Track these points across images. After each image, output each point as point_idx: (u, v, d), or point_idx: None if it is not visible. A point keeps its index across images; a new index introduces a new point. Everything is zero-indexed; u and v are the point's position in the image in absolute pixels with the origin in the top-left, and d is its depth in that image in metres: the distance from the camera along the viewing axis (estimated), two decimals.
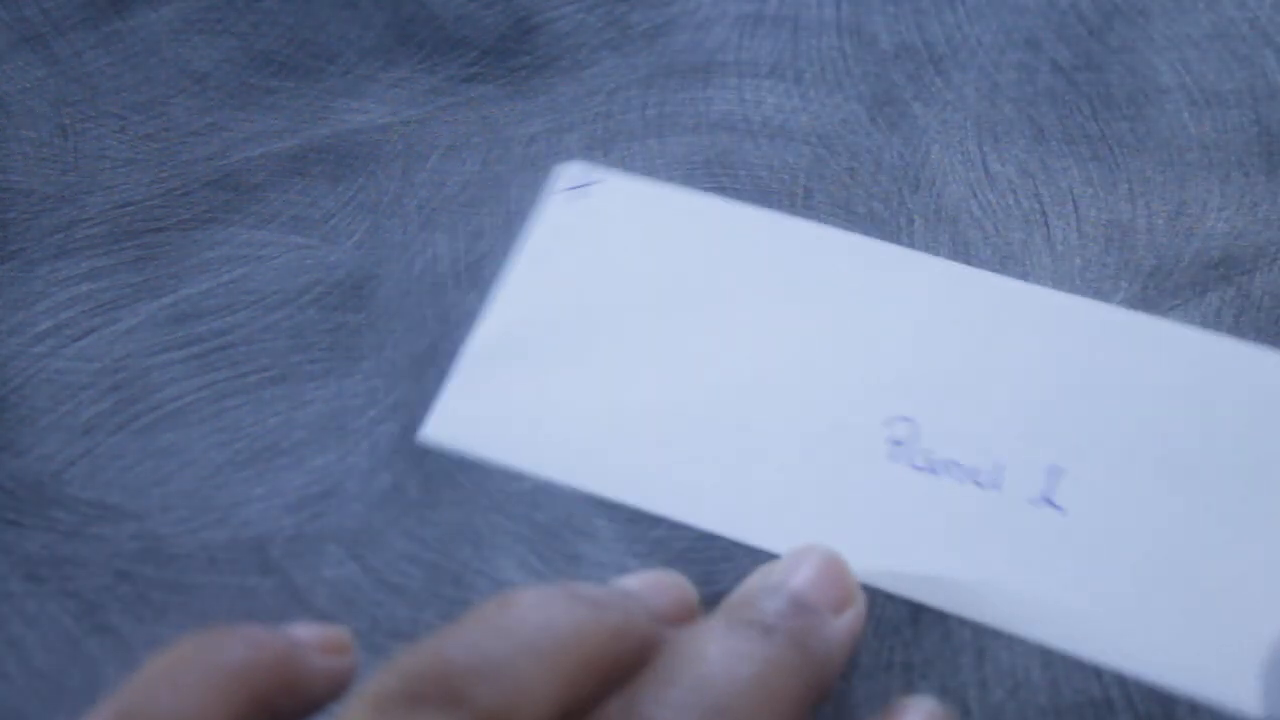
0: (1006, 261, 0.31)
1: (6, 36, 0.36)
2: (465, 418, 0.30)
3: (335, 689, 0.23)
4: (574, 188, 0.32)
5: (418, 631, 0.27)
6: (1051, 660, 0.26)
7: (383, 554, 0.28)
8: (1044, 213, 0.32)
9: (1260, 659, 0.26)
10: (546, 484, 0.29)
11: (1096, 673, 0.26)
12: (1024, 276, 0.31)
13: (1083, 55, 0.35)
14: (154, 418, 0.30)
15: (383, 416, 0.30)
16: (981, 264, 0.31)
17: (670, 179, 0.33)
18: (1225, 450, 0.28)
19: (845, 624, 0.24)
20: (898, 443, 0.28)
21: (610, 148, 0.34)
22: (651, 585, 0.25)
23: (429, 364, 0.31)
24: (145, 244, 0.32)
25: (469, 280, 0.32)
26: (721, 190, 0.33)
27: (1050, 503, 0.27)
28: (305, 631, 0.23)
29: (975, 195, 0.33)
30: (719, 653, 0.21)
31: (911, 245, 0.32)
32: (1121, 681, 0.26)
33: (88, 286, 0.32)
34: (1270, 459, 0.28)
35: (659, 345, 0.30)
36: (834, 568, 0.25)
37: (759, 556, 0.27)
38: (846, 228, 0.32)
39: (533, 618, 0.21)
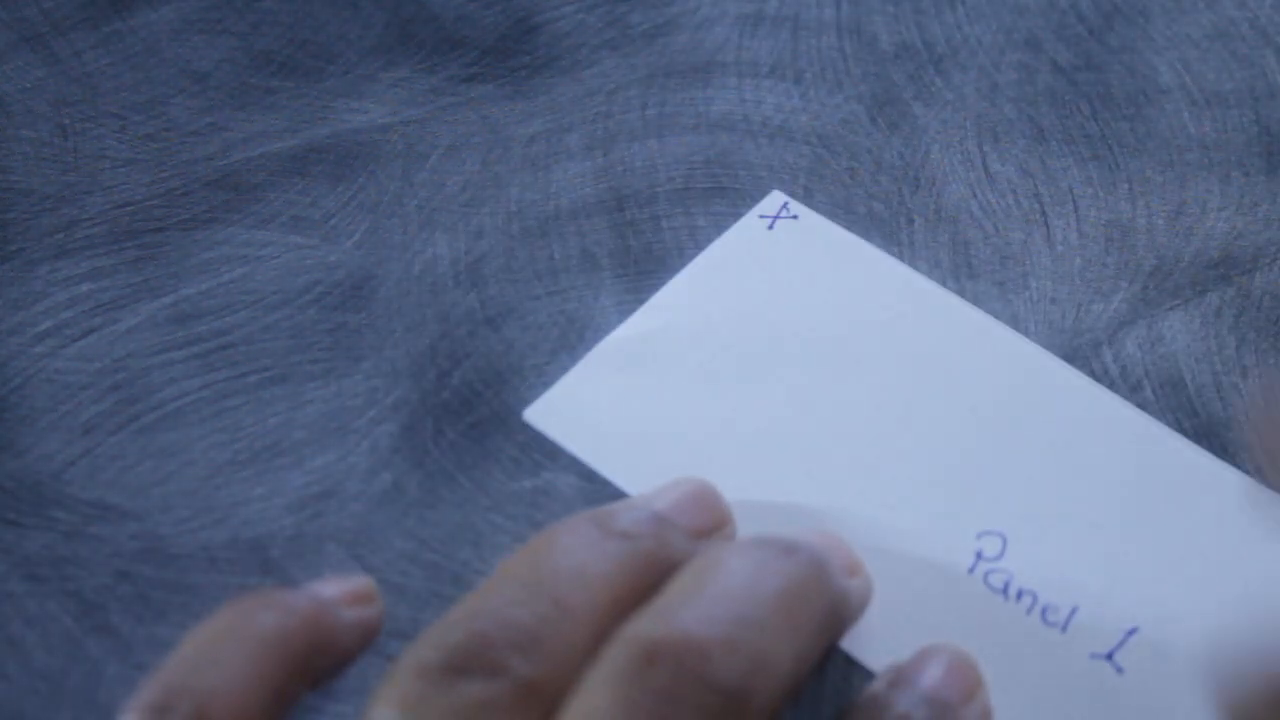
0: (1006, 261, 0.32)
1: (6, 36, 0.36)
2: (570, 408, 0.30)
3: (366, 639, 0.23)
4: (771, 217, 0.32)
5: (418, 631, 0.27)
6: None
7: (383, 554, 0.28)
8: (1044, 213, 0.32)
9: None
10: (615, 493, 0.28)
11: None
12: (1024, 277, 0.31)
13: (1083, 55, 0.35)
14: (154, 418, 0.30)
15: (383, 416, 0.30)
16: (981, 264, 0.31)
17: (670, 179, 0.33)
18: None
19: (857, 583, 0.25)
20: (984, 558, 0.27)
21: (610, 148, 0.34)
22: (682, 502, 0.25)
23: (429, 364, 0.31)
24: (145, 244, 0.32)
25: (469, 280, 0.32)
26: (722, 190, 0.33)
27: (1112, 661, 0.26)
28: (331, 588, 0.23)
29: (975, 195, 0.33)
30: (743, 565, 0.21)
31: (912, 245, 0.32)
32: None
33: (88, 286, 0.32)
34: None
35: (781, 395, 0.29)
36: (843, 549, 0.25)
37: None
38: (847, 227, 0.32)
39: (565, 566, 0.21)
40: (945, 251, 0.32)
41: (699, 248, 0.32)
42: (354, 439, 0.30)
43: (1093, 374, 0.30)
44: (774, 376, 0.30)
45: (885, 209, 0.33)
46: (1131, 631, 0.26)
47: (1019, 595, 0.27)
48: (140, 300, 0.32)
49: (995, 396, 0.29)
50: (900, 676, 0.24)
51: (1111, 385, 0.29)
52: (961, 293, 0.31)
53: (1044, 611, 0.27)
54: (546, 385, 0.30)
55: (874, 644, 0.26)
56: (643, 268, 0.32)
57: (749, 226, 0.32)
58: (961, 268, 0.31)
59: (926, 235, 0.32)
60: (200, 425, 0.30)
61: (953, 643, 0.25)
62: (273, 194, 0.33)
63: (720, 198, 0.33)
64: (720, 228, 0.32)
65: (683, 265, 0.32)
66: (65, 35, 0.36)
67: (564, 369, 0.30)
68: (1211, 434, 0.29)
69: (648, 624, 0.20)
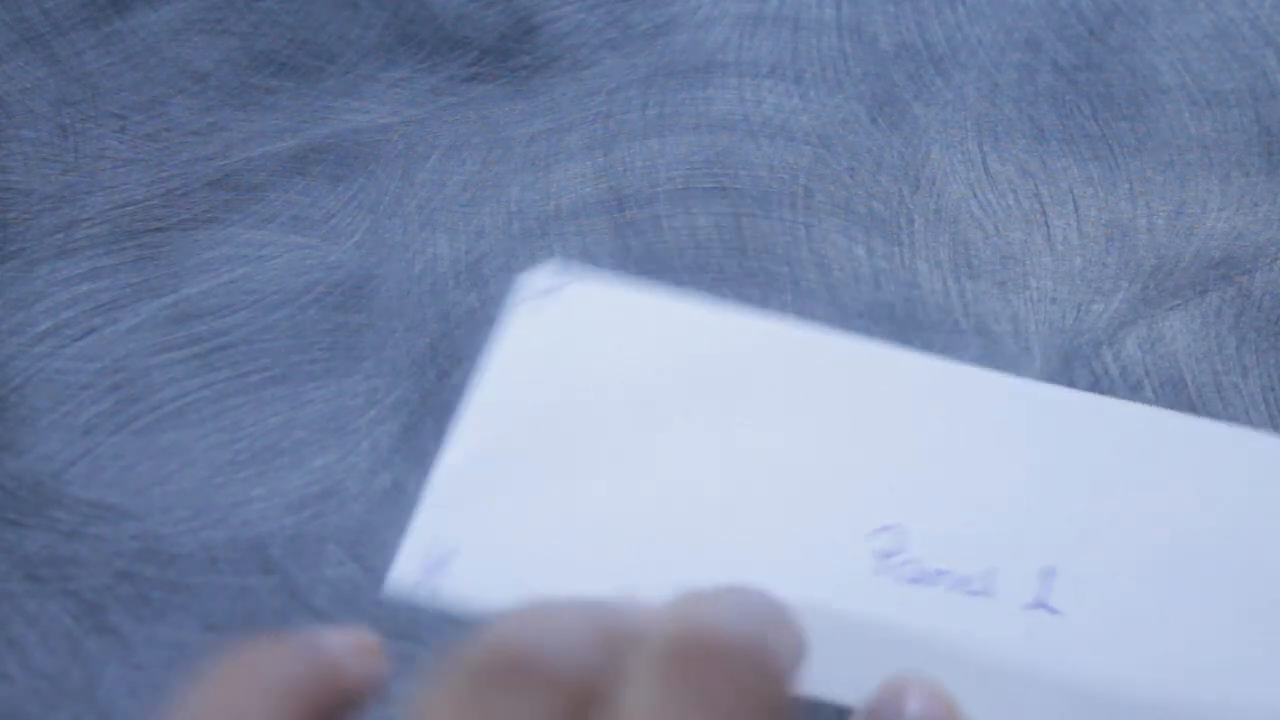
0: (1007, 261, 0.31)
1: (6, 36, 0.36)
2: (438, 559, 0.28)
3: (373, 693, 0.23)
4: (541, 294, 0.30)
5: (418, 631, 0.27)
6: None
7: (383, 554, 0.28)
8: (1044, 212, 0.32)
9: None
10: None
11: None
12: (1024, 276, 0.31)
13: (1083, 55, 0.35)
14: (154, 418, 0.30)
15: (383, 416, 0.30)
16: (982, 264, 0.31)
17: (670, 179, 0.33)
18: (1223, 536, 0.27)
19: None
20: (885, 555, 0.27)
21: (610, 148, 0.34)
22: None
23: (429, 364, 0.31)
24: (145, 244, 0.32)
25: (469, 280, 0.32)
26: (722, 190, 0.33)
27: (1045, 606, 0.27)
28: (339, 639, 0.23)
29: (975, 195, 0.33)
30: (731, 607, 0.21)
31: (912, 245, 0.32)
32: None
33: (88, 286, 0.32)
34: (1268, 542, 0.28)
35: (636, 462, 0.29)
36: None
37: None
38: (847, 227, 0.32)
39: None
40: (945, 251, 0.32)
41: (699, 248, 0.32)
42: (354, 439, 0.30)
43: (1093, 374, 0.30)
44: (619, 446, 0.29)
45: (885, 209, 0.33)
46: (1051, 572, 0.27)
47: (935, 577, 0.27)
48: (140, 300, 0.32)
49: (836, 400, 0.29)
50: (882, 710, 0.24)
51: (1112, 385, 0.29)
52: (962, 293, 0.31)
53: (964, 584, 0.27)
54: None
55: (817, 679, 0.26)
56: (643, 267, 0.32)
57: (521, 314, 0.30)
58: (962, 267, 0.31)
59: (926, 235, 0.32)
60: (200, 425, 0.30)
61: (914, 673, 0.25)
62: (273, 194, 0.33)
63: (720, 198, 0.33)
64: (720, 227, 0.32)
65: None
66: (65, 35, 0.36)
67: None
68: None
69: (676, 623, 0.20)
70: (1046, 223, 0.32)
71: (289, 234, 0.33)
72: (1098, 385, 0.30)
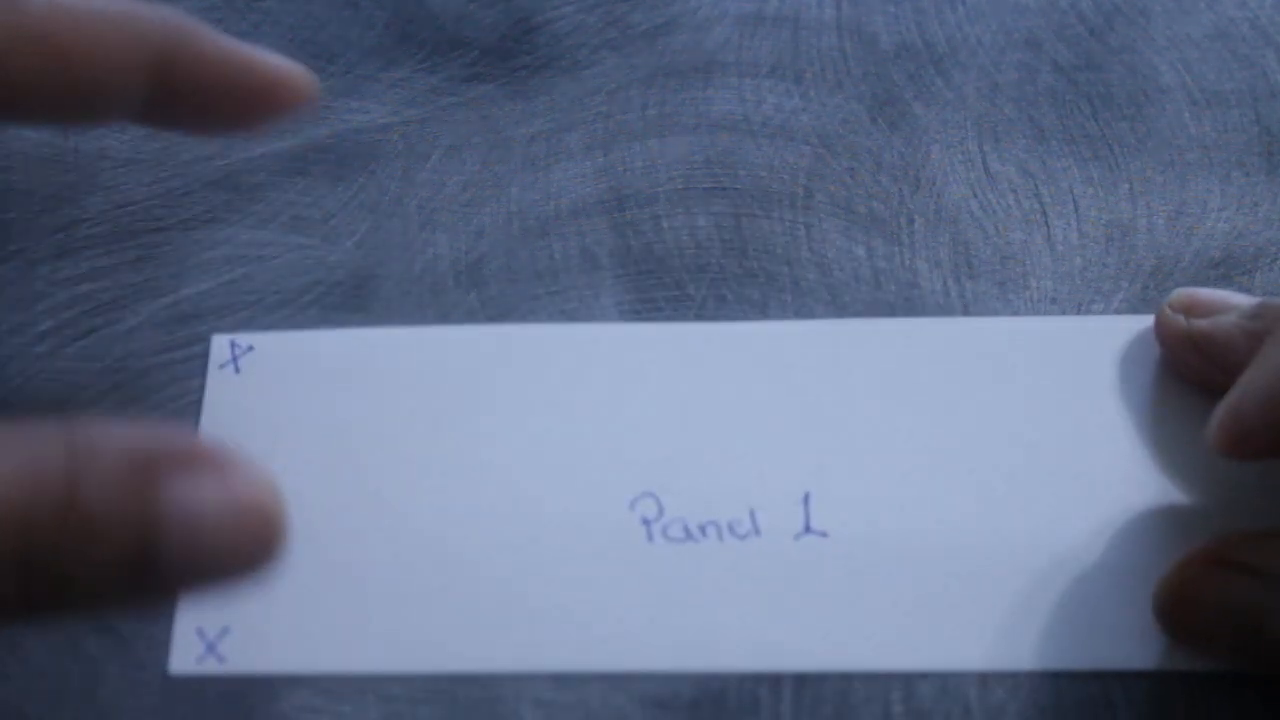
0: (1007, 261, 0.32)
1: None
2: (215, 637, 0.27)
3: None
4: (230, 362, 0.30)
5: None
6: None
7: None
8: (1044, 213, 0.32)
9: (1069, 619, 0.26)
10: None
11: (1097, 673, 0.26)
12: (1024, 277, 0.31)
13: (1083, 55, 0.35)
14: (154, 418, 0.30)
15: None
16: (981, 264, 0.31)
17: (670, 179, 0.33)
18: (969, 423, 0.29)
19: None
20: (649, 521, 0.28)
21: (610, 148, 0.34)
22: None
23: None
24: (145, 244, 0.32)
25: (469, 280, 0.32)
26: (722, 190, 0.33)
27: (813, 531, 0.27)
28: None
29: (975, 195, 0.33)
30: None
31: (912, 245, 0.32)
32: (1122, 681, 0.26)
33: (88, 286, 0.32)
34: (1012, 418, 0.28)
35: (383, 495, 0.28)
36: None
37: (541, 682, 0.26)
38: (847, 227, 0.32)
39: None
40: (945, 251, 0.32)
41: (699, 248, 0.32)
42: None
43: None
44: (361, 484, 0.28)
45: (885, 209, 0.33)
46: (807, 498, 0.28)
47: (703, 531, 0.27)
48: (140, 300, 0.31)
49: (574, 384, 0.30)
50: None
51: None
52: (962, 293, 0.31)
53: (731, 529, 0.27)
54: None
55: (624, 655, 0.26)
56: (643, 268, 0.32)
57: (218, 383, 0.30)
58: (962, 268, 0.31)
59: (926, 235, 0.32)
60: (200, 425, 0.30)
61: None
62: (273, 194, 0.33)
63: (720, 197, 0.33)
64: (720, 227, 0.32)
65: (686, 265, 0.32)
66: None
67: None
68: None
69: None
70: (1046, 223, 0.32)
71: (289, 234, 0.33)
72: None
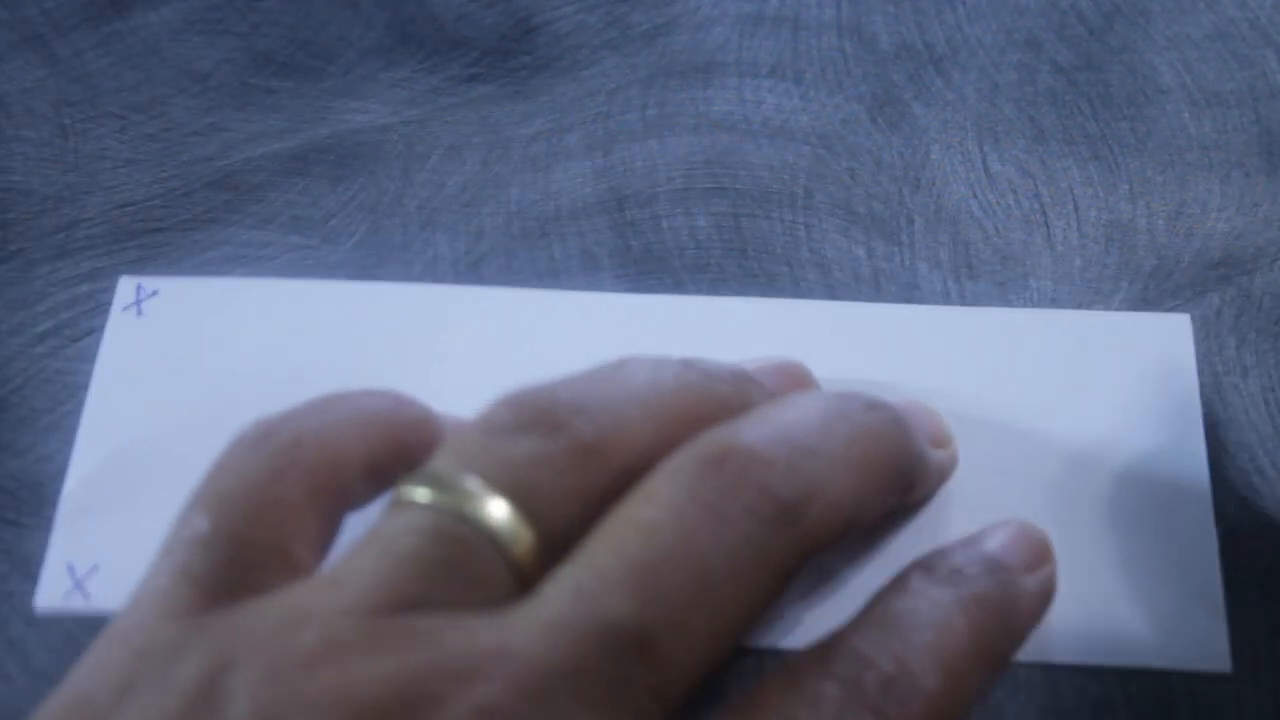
0: (1007, 261, 0.32)
1: (6, 36, 0.36)
2: (84, 574, 0.27)
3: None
4: (133, 304, 0.30)
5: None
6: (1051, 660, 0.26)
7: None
8: (1044, 213, 0.32)
9: None
10: None
11: (1096, 672, 0.26)
12: (1024, 277, 0.31)
13: (1083, 55, 0.35)
14: None
15: None
16: (981, 264, 0.31)
17: (670, 179, 0.33)
18: (963, 410, 0.29)
19: (940, 454, 0.27)
20: None
21: (610, 148, 0.34)
22: (769, 370, 0.26)
23: None
24: (145, 244, 0.32)
25: (469, 280, 0.32)
26: (722, 190, 0.33)
27: None
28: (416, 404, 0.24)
29: (975, 195, 0.33)
30: (820, 407, 0.22)
31: (912, 245, 0.32)
32: (1122, 681, 0.26)
33: (88, 286, 0.32)
34: (1007, 407, 0.29)
35: None
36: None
37: None
38: (847, 227, 0.32)
39: (641, 374, 0.22)
40: (945, 251, 0.32)
41: (699, 248, 0.32)
42: None
43: None
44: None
45: (885, 209, 0.33)
46: None
47: None
48: None
49: (477, 346, 0.30)
50: (968, 539, 0.24)
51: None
52: (962, 293, 0.31)
53: None
54: None
55: None
56: (643, 268, 0.32)
57: (119, 325, 0.30)
58: (962, 268, 0.31)
59: (926, 235, 0.32)
60: None
61: (1027, 520, 0.25)
62: (273, 194, 0.33)
63: (720, 197, 0.33)
64: (720, 227, 0.32)
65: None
66: (65, 35, 0.36)
67: None
68: (1213, 435, 0.29)
69: (720, 433, 0.20)
70: (1046, 223, 0.32)
71: (289, 234, 0.33)
72: None
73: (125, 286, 0.31)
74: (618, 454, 0.20)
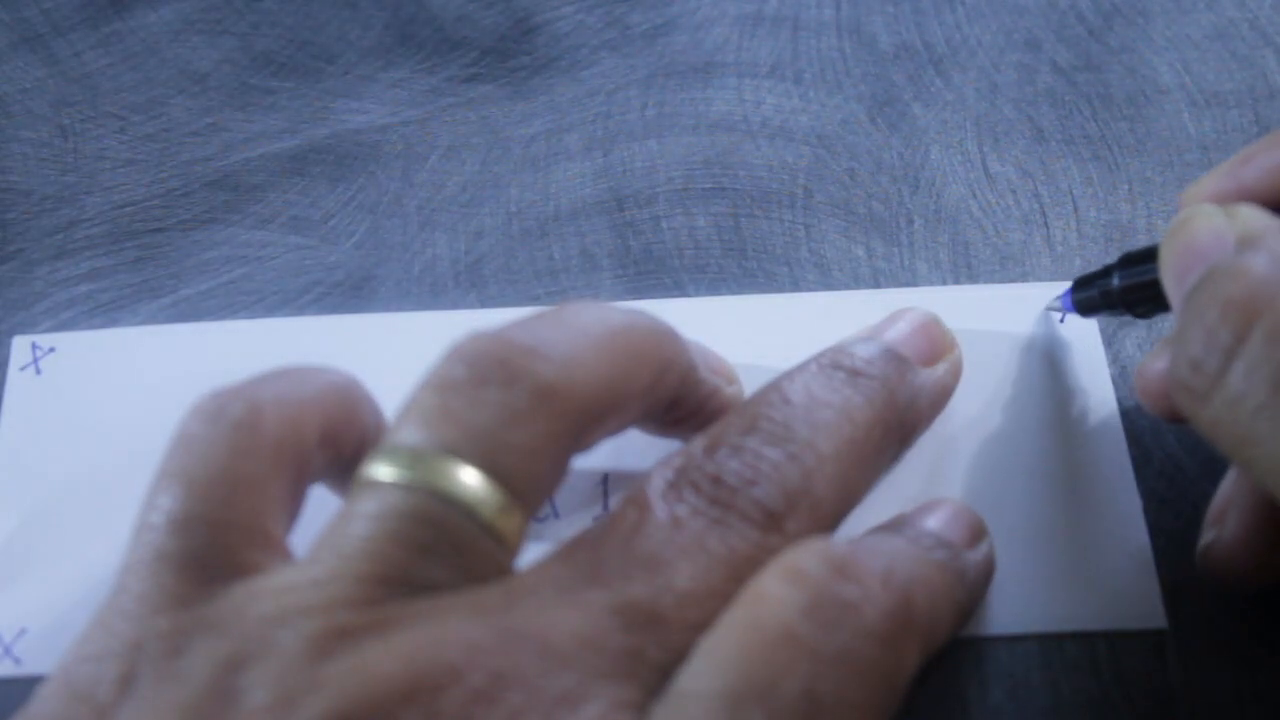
0: (1006, 262, 0.32)
1: (6, 36, 0.36)
2: (12, 639, 0.26)
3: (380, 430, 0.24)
4: (30, 364, 0.30)
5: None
6: (1051, 660, 0.26)
7: None
8: (1044, 213, 0.32)
9: None
10: None
11: (1096, 671, 0.26)
12: (1024, 277, 0.31)
13: (1083, 55, 0.35)
14: None
15: None
16: (981, 264, 0.31)
17: (670, 179, 0.33)
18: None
19: (936, 374, 0.26)
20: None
21: (610, 148, 0.34)
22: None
23: None
24: (145, 244, 0.32)
25: (469, 280, 0.32)
26: (722, 190, 0.33)
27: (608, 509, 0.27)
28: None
29: (975, 195, 0.33)
30: (804, 398, 0.23)
31: (911, 245, 0.32)
32: (1122, 681, 0.26)
33: (88, 286, 0.32)
34: (976, 387, 0.29)
35: None
36: (930, 325, 0.26)
37: None
38: (847, 227, 0.32)
39: (588, 314, 0.22)
40: (945, 251, 0.32)
41: (699, 248, 0.32)
42: None
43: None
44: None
45: (885, 209, 0.33)
46: (606, 477, 0.28)
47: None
48: (140, 300, 0.31)
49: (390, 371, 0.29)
50: (903, 519, 0.25)
51: (1111, 385, 0.29)
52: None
53: (539, 516, 0.28)
54: None
55: None
56: (642, 268, 0.32)
57: (18, 386, 0.30)
58: (961, 268, 0.31)
59: (926, 235, 0.32)
60: None
61: (956, 498, 0.26)
62: (273, 194, 0.33)
63: (720, 198, 0.33)
64: (720, 227, 0.32)
65: (681, 269, 0.32)
66: (65, 35, 0.36)
67: None
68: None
69: (702, 454, 0.22)
70: (1046, 223, 0.32)
71: (289, 234, 0.33)
72: None
73: (20, 346, 0.30)
74: (577, 394, 0.20)
